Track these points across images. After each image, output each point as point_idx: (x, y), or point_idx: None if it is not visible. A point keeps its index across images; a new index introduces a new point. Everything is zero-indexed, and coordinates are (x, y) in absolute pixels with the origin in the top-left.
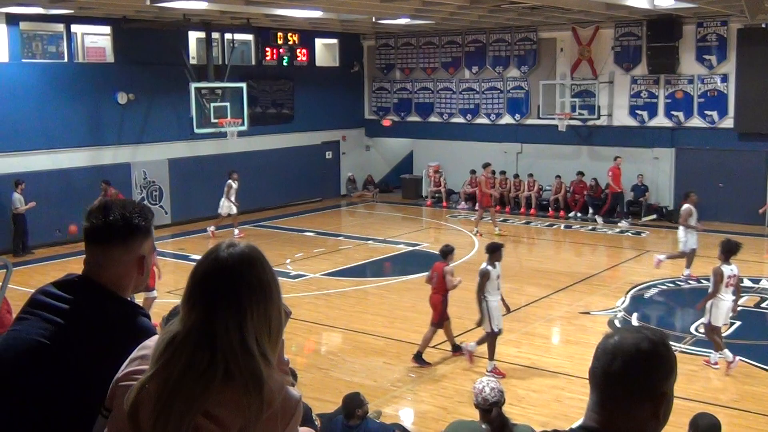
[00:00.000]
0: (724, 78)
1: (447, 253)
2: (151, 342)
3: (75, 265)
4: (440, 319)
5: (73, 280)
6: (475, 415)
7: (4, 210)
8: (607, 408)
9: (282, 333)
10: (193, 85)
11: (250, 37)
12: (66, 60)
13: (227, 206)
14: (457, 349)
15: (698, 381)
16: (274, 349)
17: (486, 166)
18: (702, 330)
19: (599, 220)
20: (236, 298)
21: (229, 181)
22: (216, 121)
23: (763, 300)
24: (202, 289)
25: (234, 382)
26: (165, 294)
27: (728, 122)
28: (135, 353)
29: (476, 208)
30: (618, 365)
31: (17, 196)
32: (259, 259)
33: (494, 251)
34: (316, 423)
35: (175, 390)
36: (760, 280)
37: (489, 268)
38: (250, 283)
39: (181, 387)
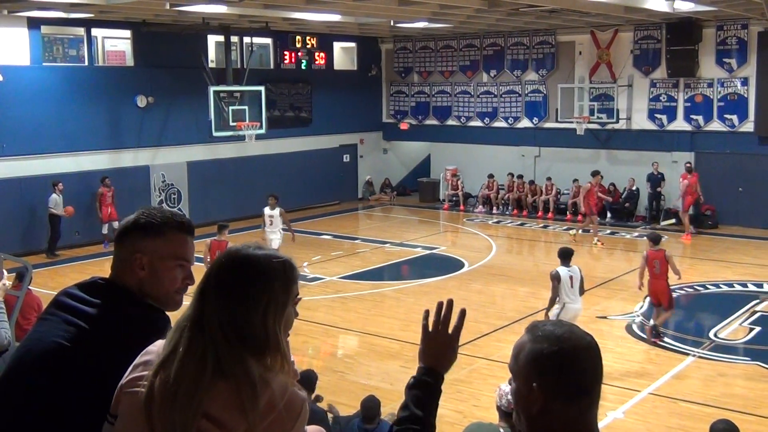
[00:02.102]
0: (745, 81)
1: (659, 239)
2: (155, 347)
3: (93, 268)
4: (671, 302)
5: (97, 283)
6: (492, 418)
7: (33, 211)
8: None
9: (278, 344)
10: (212, 89)
11: (268, 40)
12: (86, 63)
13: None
14: (657, 335)
15: (717, 387)
16: (264, 354)
17: (595, 174)
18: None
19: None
20: (217, 292)
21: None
22: (234, 124)
23: None
24: (206, 277)
25: (226, 378)
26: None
27: (748, 126)
28: (139, 359)
29: (588, 219)
30: (598, 362)
31: (54, 197)
32: (260, 266)
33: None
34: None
35: (177, 378)
36: None
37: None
38: (232, 281)
39: (183, 375)
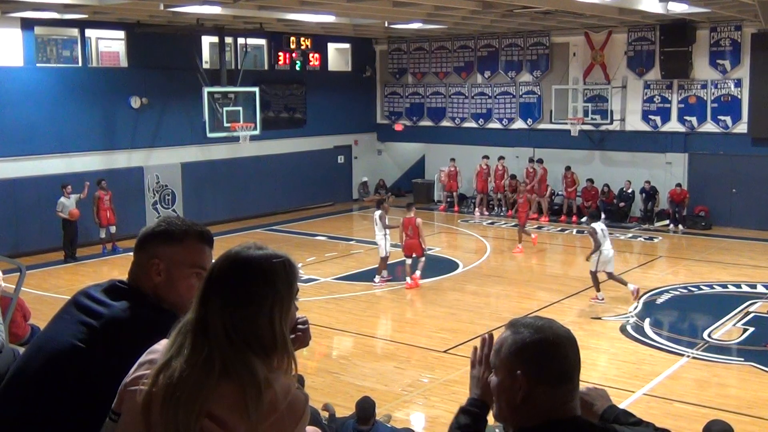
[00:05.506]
0: (738, 83)
1: None
2: (160, 346)
3: (86, 269)
4: None
5: (115, 285)
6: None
7: (25, 212)
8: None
9: (285, 344)
10: (206, 90)
11: (262, 41)
12: (80, 64)
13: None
14: None
15: (710, 387)
16: (271, 354)
17: None
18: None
19: (681, 227)
20: (220, 296)
21: (379, 211)
22: (228, 125)
23: None
24: (206, 281)
25: (231, 379)
26: None
27: (742, 127)
28: (144, 357)
29: None
30: (578, 352)
31: (61, 200)
32: (261, 267)
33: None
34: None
35: (181, 379)
36: None
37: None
38: (235, 285)
39: (187, 376)
